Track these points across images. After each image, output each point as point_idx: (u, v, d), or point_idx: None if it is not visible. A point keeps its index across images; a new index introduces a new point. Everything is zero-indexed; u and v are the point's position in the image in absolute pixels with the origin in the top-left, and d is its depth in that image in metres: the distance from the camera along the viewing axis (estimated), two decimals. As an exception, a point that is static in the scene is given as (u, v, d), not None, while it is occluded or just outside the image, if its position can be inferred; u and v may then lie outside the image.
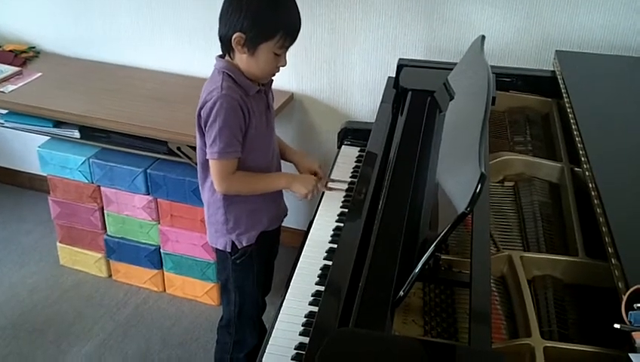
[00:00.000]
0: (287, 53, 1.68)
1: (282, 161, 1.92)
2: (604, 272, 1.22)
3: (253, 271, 1.88)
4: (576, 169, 1.60)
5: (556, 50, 2.04)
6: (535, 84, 2.01)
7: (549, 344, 1.14)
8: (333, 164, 2.05)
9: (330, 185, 1.89)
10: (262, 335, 1.48)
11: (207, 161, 1.72)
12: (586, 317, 1.26)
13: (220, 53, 1.71)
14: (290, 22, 1.63)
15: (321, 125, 2.64)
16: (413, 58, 2.21)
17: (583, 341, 1.17)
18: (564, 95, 1.78)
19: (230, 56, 1.68)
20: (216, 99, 1.62)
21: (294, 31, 1.64)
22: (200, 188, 1.86)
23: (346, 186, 1.91)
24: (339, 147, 2.17)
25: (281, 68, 1.69)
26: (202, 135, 1.71)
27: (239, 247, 1.83)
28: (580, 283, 1.33)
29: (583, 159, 1.47)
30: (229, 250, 1.84)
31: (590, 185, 1.37)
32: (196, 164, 1.81)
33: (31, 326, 2.50)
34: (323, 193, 1.89)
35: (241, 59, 1.65)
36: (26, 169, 3.28)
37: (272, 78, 1.76)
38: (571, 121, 1.64)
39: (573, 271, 1.34)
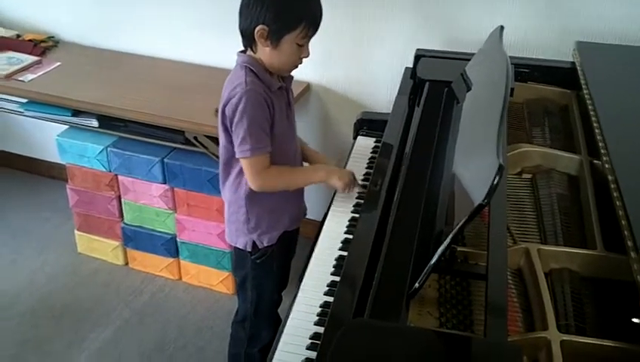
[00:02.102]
0: (305, 44, 1.66)
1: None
2: (622, 266, 1.21)
3: (272, 270, 1.87)
4: (595, 161, 1.58)
5: (576, 41, 2.01)
6: (554, 75, 1.99)
7: (566, 337, 1.14)
8: (349, 155, 2.04)
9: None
10: (277, 327, 1.48)
11: (231, 158, 1.70)
12: (604, 311, 1.25)
13: (241, 47, 1.68)
14: (313, 11, 1.61)
15: (337, 115, 2.64)
16: (431, 48, 2.19)
17: (600, 335, 1.16)
18: (583, 86, 1.76)
19: (252, 50, 1.65)
20: (241, 95, 1.59)
21: (317, 20, 1.62)
22: (221, 185, 1.82)
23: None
24: (355, 138, 2.16)
25: (304, 59, 1.67)
26: (226, 132, 1.68)
27: (260, 247, 1.81)
28: (598, 276, 1.32)
29: (602, 151, 1.45)
30: (249, 249, 1.82)
31: (609, 178, 1.35)
32: (212, 154, 1.79)
33: (49, 313, 2.54)
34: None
35: (264, 52, 1.62)
36: (44, 157, 3.31)
37: (292, 74, 1.73)
38: (591, 112, 1.62)
39: (591, 264, 1.33)
